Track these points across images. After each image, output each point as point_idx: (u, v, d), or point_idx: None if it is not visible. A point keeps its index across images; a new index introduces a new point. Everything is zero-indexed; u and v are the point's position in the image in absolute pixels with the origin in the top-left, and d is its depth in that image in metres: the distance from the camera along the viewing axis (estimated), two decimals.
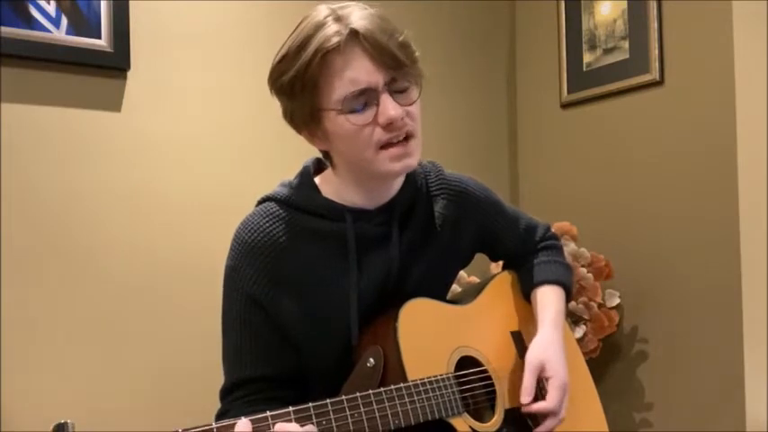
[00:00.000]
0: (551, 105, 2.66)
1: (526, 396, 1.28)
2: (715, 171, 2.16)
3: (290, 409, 1.00)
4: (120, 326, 2.02)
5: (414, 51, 1.18)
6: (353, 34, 1.12)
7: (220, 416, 1.21)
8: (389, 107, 1.13)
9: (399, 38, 1.16)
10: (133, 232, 2.05)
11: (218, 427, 0.96)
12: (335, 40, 1.11)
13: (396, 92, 1.16)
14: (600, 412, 1.48)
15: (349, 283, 1.22)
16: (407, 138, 1.17)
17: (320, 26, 1.13)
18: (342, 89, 1.13)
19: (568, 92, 2.59)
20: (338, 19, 1.13)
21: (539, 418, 1.29)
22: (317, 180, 1.28)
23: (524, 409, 1.28)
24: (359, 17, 1.14)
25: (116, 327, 2.01)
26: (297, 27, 1.18)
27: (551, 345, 1.34)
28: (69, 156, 1.98)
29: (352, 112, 1.13)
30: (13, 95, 1.91)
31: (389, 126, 1.14)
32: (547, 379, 1.30)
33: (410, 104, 1.17)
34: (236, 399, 1.22)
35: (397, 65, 1.15)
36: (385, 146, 1.16)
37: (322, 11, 1.16)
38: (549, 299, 1.42)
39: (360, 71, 1.13)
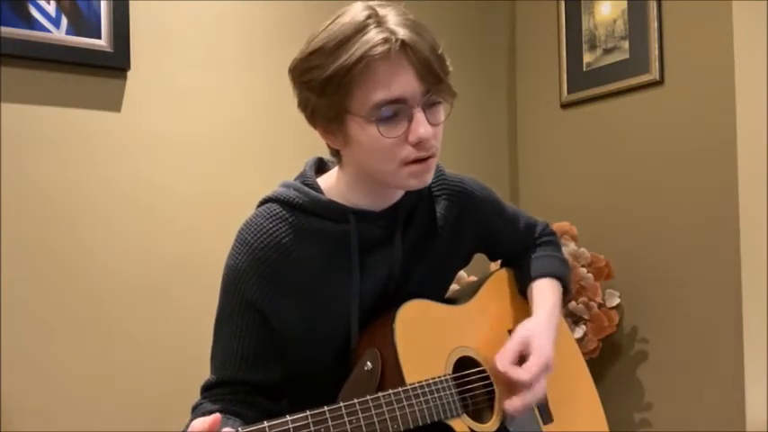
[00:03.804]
0: (551, 105, 2.67)
1: (503, 358, 1.24)
2: (715, 171, 2.16)
3: (288, 418, 0.99)
4: (121, 325, 2.02)
5: (448, 65, 1.16)
6: (403, 45, 1.09)
7: (195, 407, 1.21)
8: (421, 126, 1.11)
9: (438, 50, 1.13)
10: (133, 232, 2.05)
11: None
12: (383, 48, 1.07)
13: (428, 106, 1.13)
14: (600, 412, 1.47)
15: (351, 284, 1.22)
16: (429, 157, 1.15)
17: (362, 28, 1.09)
18: (378, 96, 1.09)
19: (568, 92, 2.59)
20: (379, 23, 1.10)
21: (515, 390, 1.23)
22: (319, 180, 1.27)
23: (496, 368, 1.23)
24: (400, 23, 1.10)
25: (117, 326, 2.02)
26: (332, 21, 1.13)
27: (543, 327, 1.31)
28: (69, 156, 1.98)
29: (382, 120, 1.10)
30: (13, 95, 1.91)
31: (418, 145, 1.12)
32: (529, 355, 1.26)
33: (437, 125, 1.15)
34: (215, 395, 1.21)
35: (436, 80, 1.12)
36: (408, 162, 1.14)
37: (359, 9, 1.12)
38: (545, 291, 1.41)
39: (401, 83, 1.10)
